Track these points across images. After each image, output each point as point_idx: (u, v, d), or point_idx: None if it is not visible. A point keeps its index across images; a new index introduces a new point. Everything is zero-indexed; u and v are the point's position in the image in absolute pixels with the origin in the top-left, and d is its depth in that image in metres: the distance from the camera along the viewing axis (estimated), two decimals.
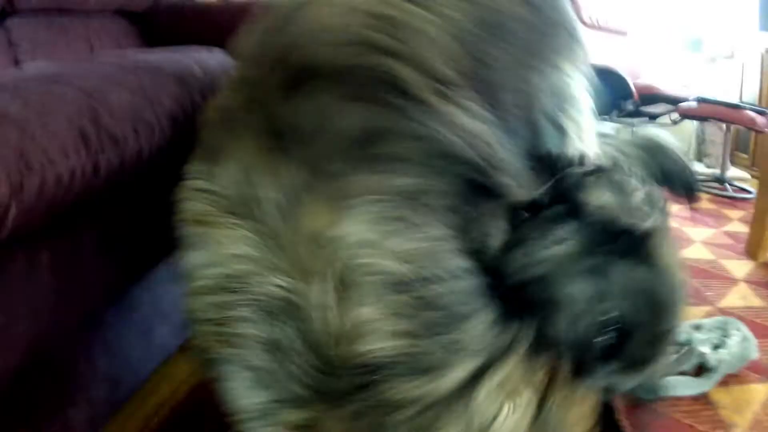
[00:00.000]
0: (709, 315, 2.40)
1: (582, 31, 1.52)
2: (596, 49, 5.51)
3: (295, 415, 0.92)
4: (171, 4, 3.29)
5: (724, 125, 5.00)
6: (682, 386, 1.94)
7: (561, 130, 1.35)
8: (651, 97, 5.11)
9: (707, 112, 4.89)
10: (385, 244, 0.93)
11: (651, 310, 1.04)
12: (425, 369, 0.90)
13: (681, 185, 1.39)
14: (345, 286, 0.90)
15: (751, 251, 3.23)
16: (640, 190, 1.13)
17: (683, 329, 2.12)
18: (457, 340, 0.93)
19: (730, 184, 4.81)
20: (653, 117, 5.43)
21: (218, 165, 1.01)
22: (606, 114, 5.31)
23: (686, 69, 6.03)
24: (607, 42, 5.76)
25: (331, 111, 1.00)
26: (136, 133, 1.19)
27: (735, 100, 5.08)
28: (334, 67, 1.04)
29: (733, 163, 5.37)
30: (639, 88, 5.05)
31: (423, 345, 0.90)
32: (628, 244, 1.05)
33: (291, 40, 1.11)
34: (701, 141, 6.02)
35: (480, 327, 0.96)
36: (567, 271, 1.03)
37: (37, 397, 1.26)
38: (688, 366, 2.01)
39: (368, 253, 0.91)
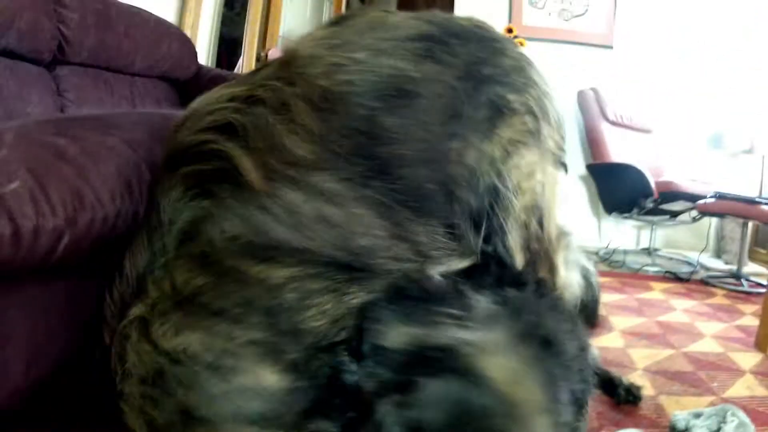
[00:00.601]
0: (712, 404, 2.41)
1: (557, 113, 1.45)
2: (620, 145, 5.62)
3: None
4: (213, 75, 3.42)
5: (741, 221, 5.06)
6: None
7: (480, 228, 1.26)
8: (670, 194, 5.18)
9: (725, 208, 4.95)
10: (159, 331, 1.08)
11: (461, 419, 1.00)
12: None
13: None
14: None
15: (760, 343, 3.24)
16: (453, 312, 1.10)
17: (682, 417, 2.16)
18: None
19: (746, 280, 4.83)
20: (673, 214, 5.50)
21: None
22: (626, 211, 5.39)
23: (707, 165, 6.10)
24: (632, 139, 5.87)
25: (174, 206, 1.14)
26: None
27: (755, 195, 5.13)
28: (186, 155, 1.17)
29: (753, 259, 5.38)
30: (659, 185, 5.14)
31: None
32: (439, 361, 1.04)
33: (174, 125, 1.24)
34: (720, 237, 6.07)
35: None
36: (378, 394, 1.02)
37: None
38: None
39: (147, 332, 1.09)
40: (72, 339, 1.24)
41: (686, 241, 6.09)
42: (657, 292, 4.44)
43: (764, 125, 5.89)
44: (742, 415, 2.13)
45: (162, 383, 1.06)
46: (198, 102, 1.26)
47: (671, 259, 5.68)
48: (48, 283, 1.19)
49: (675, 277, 4.96)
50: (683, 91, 6.21)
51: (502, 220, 1.25)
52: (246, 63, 5.16)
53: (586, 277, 1.46)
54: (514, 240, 1.26)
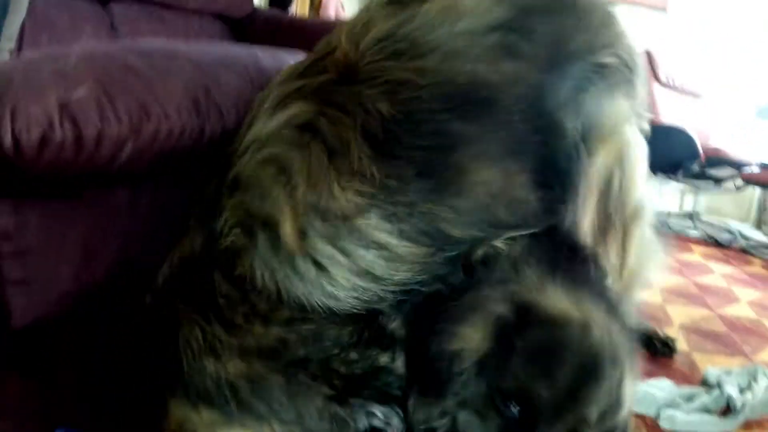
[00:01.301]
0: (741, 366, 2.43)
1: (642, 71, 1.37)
2: (670, 108, 5.56)
3: None
4: (269, 15, 3.38)
5: None
6: (706, 425, 1.97)
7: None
8: (716, 159, 5.13)
9: None
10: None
11: (549, 364, 1.03)
12: None
13: None
14: None
15: None
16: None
17: (715, 372, 2.17)
18: None
19: None
20: (717, 180, 5.45)
21: None
22: (671, 173, 5.34)
23: (754, 135, 6.02)
24: (681, 103, 5.80)
25: (225, 224, 1.15)
26: (237, 110, 1.32)
27: None
28: (241, 186, 1.16)
29: None
30: (705, 150, 5.08)
31: None
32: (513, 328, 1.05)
33: (238, 150, 1.22)
34: (762, 209, 6.01)
35: None
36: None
37: None
38: (714, 406, 2.05)
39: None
40: (122, 255, 1.29)
41: (728, 209, 6.04)
42: (697, 255, 4.43)
43: None
44: None
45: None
46: (260, 125, 1.20)
47: (712, 225, 5.64)
48: (107, 196, 1.23)
49: (715, 243, 4.94)
50: (735, 59, 6.13)
51: (577, 176, 1.20)
52: (299, 5, 5.13)
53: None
54: (586, 200, 1.22)
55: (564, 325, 1.05)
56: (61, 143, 1.02)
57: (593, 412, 1.03)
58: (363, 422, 1.12)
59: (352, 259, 1.08)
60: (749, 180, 5.08)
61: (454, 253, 1.11)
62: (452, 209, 1.09)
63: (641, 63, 1.36)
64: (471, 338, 1.05)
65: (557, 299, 1.07)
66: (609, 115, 1.22)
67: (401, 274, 1.09)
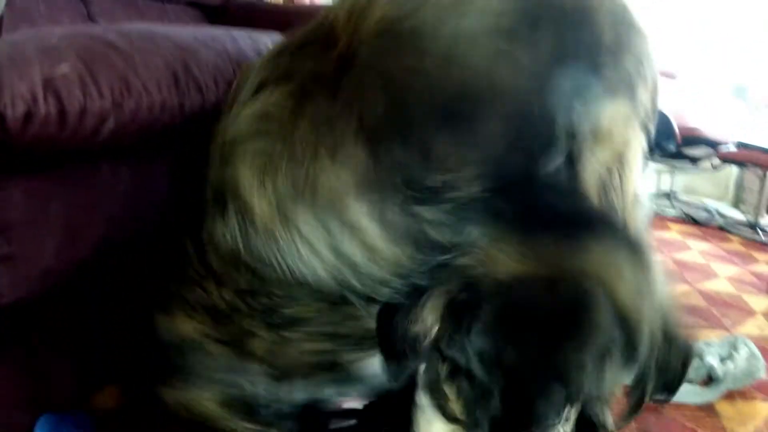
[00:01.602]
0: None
1: (654, 76, 1.36)
2: None
3: None
4: (244, 2, 3.39)
5: (761, 172, 5.04)
6: (689, 394, 2.00)
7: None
8: (692, 138, 5.15)
9: (746, 157, 4.95)
10: None
11: (512, 332, 1.01)
12: None
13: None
14: None
15: None
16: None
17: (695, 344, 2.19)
18: None
19: (762, 230, 4.84)
20: (694, 160, 5.47)
21: None
22: (648, 153, 5.34)
23: (731, 115, 6.05)
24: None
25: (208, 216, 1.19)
26: (216, 86, 1.34)
27: None
28: (214, 188, 1.19)
29: None
30: (681, 130, 5.10)
31: None
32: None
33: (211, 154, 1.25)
34: (740, 188, 6.05)
35: None
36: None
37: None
38: (696, 376, 2.07)
39: None
40: (105, 230, 1.30)
41: (705, 189, 6.08)
42: (674, 233, 4.47)
43: None
44: (753, 347, 2.18)
45: None
46: (232, 119, 1.20)
47: (689, 204, 5.68)
48: (90, 172, 1.24)
49: (693, 221, 4.98)
50: (711, 38, 6.15)
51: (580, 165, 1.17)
52: None
53: None
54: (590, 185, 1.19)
55: (518, 288, 1.02)
56: (45, 118, 1.03)
57: (587, 358, 1.00)
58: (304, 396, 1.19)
59: (337, 248, 1.07)
60: (726, 159, 5.10)
61: (437, 262, 1.09)
62: (432, 213, 1.08)
63: (650, 74, 1.33)
64: (426, 320, 1.05)
65: (509, 262, 1.04)
66: (606, 117, 1.20)
67: (380, 273, 1.09)
